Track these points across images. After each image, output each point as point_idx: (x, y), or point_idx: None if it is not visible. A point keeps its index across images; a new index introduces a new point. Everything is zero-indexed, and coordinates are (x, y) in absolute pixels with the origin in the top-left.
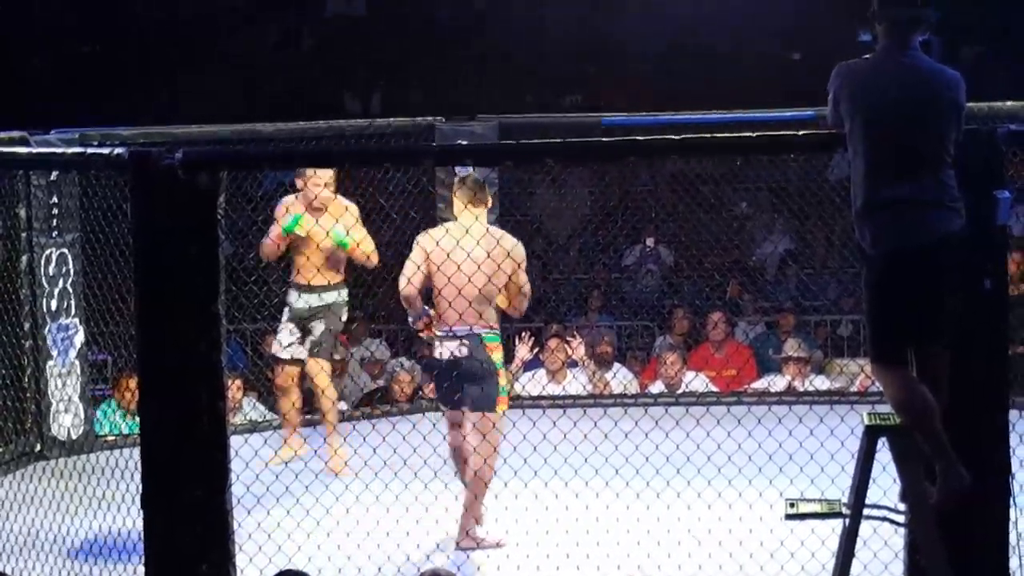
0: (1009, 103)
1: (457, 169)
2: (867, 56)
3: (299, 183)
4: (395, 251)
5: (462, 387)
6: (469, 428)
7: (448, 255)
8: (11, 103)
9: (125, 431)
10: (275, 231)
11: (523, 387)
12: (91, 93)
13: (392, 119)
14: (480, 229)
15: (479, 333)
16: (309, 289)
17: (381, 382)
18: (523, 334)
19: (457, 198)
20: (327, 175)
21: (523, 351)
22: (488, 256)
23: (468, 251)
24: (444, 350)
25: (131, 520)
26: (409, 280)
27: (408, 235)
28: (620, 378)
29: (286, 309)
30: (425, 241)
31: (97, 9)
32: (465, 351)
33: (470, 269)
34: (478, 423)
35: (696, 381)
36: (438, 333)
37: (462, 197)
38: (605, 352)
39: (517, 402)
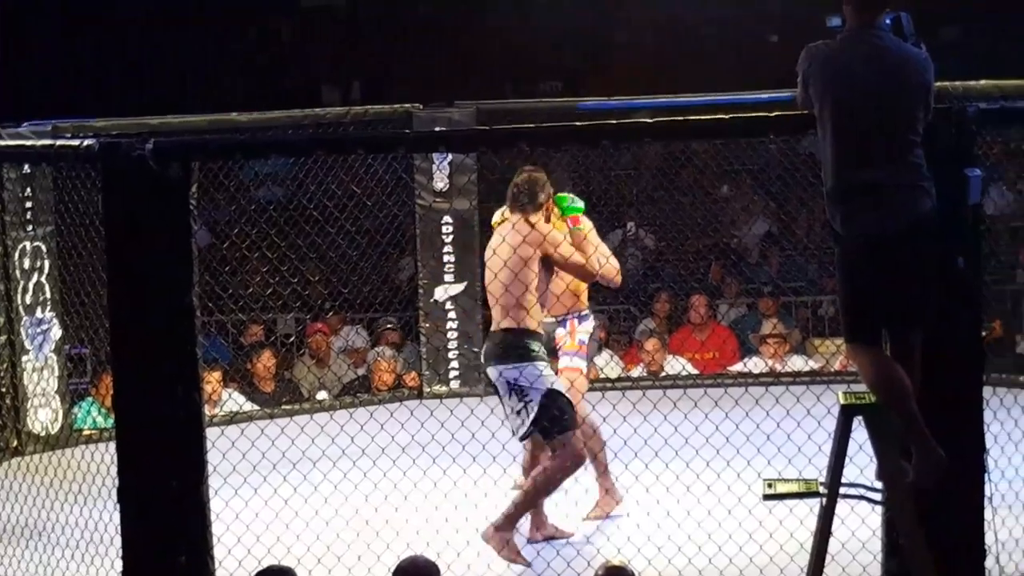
0: (982, 82)
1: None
2: (834, 38)
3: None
4: (370, 239)
5: None
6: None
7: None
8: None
9: (103, 425)
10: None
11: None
12: (67, 86)
13: (370, 107)
14: None
15: None
16: None
17: (361, 371)
18: None
19: None
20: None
21: None
22: None
23: None
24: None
25: (108, 514)
26: None
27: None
28: (601, 363)
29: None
30: None
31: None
32: None
33: None
34: None
35: (676, 364)
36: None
37: None
38: (599, 337)
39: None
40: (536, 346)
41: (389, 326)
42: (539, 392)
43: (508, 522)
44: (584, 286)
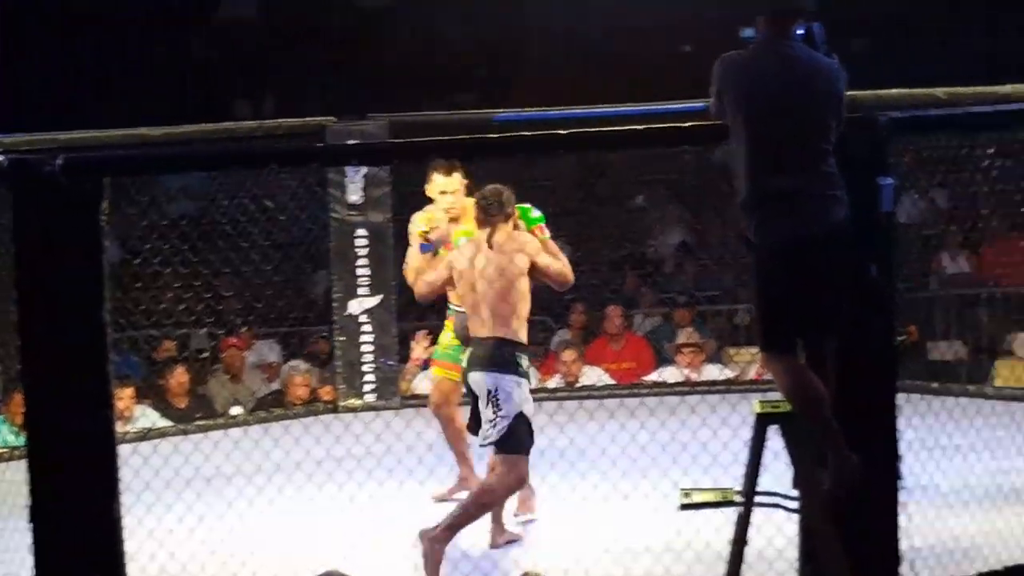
0: (894, 90)
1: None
2: (749, 48)
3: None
4: (284, 253)
5: None
6: None
7: None
8: None
9: (15, 444)
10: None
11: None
12: None
13: (282, 120)
14: None
15: None
16: None
17: (276, 385)
18: (417, 334)
19: None
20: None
21: (418, 351)
22: None
23: None
24: None
25: (19, 533)
26: None
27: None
28: None
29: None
30: None
31: None
32: None
33: None
34: None
35: (593, 374)
36: None
37: None
38: None
39: (415, 400)
40: (524, 361)
41: (324, 335)
42: (512, 409)
43: (446, 533)
44: None
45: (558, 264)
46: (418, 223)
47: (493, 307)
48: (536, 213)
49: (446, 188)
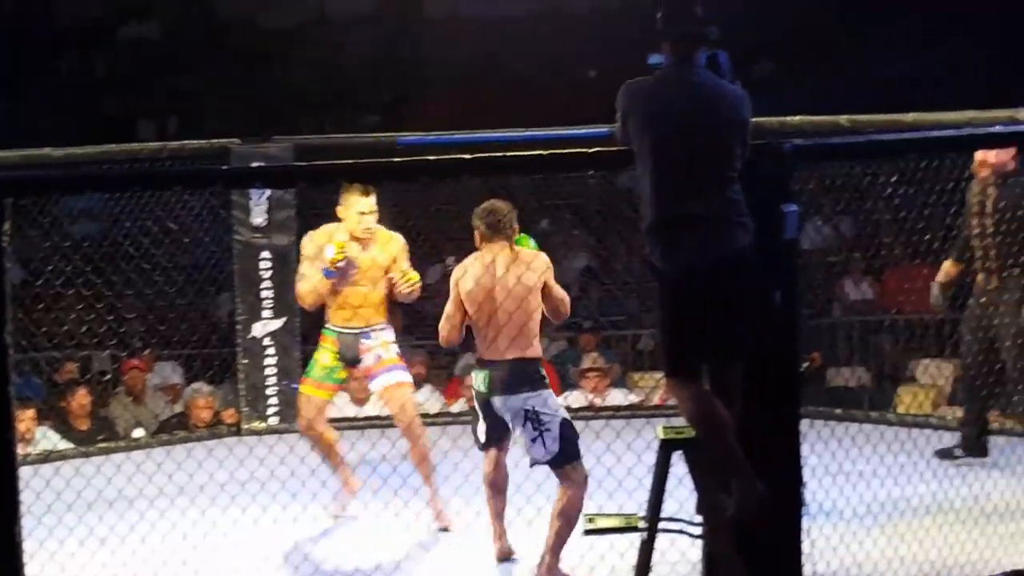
0: (798, 118)
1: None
2: (654, 74)
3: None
4: (187, 275)
5: None
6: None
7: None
8: None
9: None
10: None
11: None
12: None
13: (186, 142)
14: None
15: None
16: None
17: (178, 407)
18: None
19: None
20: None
21: None
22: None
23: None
24: None
25: None
26: None
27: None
28: (423, 398)
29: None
30: None
31: None
32: None
33: None
34: None
35: None
36: None
37: None
38: (418, 374)
39: None
40: (545, 373)
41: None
42: (557, 420)
43: (554, 558)
44: (383, 301)
45: (563, 292)
46: (316, 241)
47: (508, 330)
48: (533, 243)
49: (364, 209)
